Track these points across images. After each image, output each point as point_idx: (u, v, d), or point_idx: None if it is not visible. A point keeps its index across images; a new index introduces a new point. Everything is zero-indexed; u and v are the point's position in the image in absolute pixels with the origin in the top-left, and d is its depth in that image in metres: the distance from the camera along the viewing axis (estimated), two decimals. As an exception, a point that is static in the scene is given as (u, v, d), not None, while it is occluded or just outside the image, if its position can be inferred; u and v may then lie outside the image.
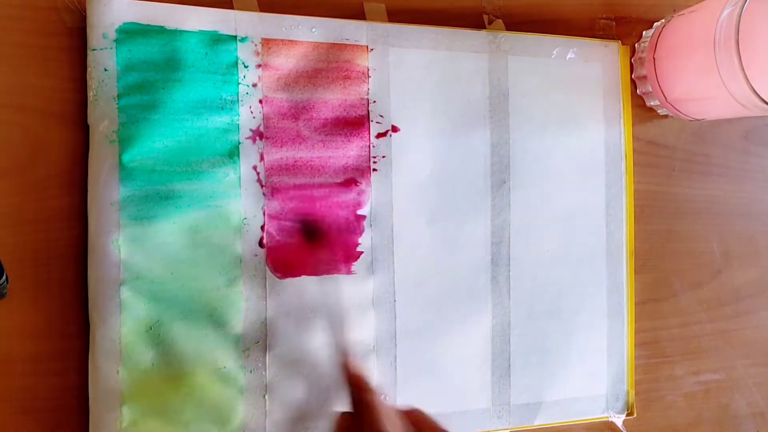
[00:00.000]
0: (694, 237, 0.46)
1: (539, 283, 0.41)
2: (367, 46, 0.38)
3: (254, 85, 0.37)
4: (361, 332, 0.38)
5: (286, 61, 0.37)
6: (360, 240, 0.38)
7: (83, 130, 0.35)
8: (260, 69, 0.37)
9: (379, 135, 0.39)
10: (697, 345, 0.46)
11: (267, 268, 0.37)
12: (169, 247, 0.35)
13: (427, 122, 0.39)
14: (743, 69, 0.36)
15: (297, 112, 0.37)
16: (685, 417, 0.46)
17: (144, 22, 0.35)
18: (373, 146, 0.39)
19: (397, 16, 0.40)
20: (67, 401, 0.35)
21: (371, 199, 0.38)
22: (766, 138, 0.48)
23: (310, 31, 0.38)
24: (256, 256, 0.36)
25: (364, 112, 0.38)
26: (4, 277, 0.32)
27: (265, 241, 0.37)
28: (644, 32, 0.44)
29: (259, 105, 0.37)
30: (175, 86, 0.35)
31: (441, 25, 0.40)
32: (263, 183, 0.37)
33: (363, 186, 0.38)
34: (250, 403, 0.36)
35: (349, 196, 0.38)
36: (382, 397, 0.38)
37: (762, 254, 0.47)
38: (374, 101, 0.39)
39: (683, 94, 0.42)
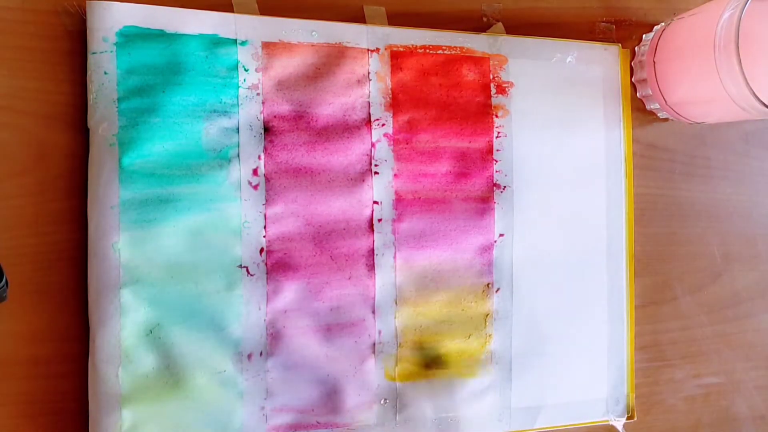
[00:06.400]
0: (694, 240, 0.46)
1: (540, 286, 0.41)
2: (368, 49, 0.39)
3: (254, 88, 0.37)
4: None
5: (287, 65, 0.37)
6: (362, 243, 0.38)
7: (83, 133, 0.35)
8: (260, 72, 0.37)
9: (380, 138, 0.39)
10: (698, 348, 0.46)
11: (267, 271, 0.37)
12: (169, 251, 0.35)
13: (428, 124, 0.39)
14: (743, 72, 0.36)
15: (297, 115, 0.37)
16: (686, 420, 0.46)
17: (144, 25, 0.35)
18: (374, 149, 0.39)
19: (397, 19, 0.40)
20: (67, 404, 0.35)
21: (372, 202, 0.38)
22: (766, 141, 0.48)
23: (310, 34, 0.38)
24: (256, 259, 0.36)
25: (365, 115, 0.38)
26: (4, 280, 0.32)
27: (265, 244, 0.37)
28: (644, 36, 0.44)
29: (259, 108, 0.37)
30: (175, 89, 0.35)
31: (441, 28, 0.40)
32: (264, 186, 0.37)
33: (365, 189, 0.38)
34: (249, 408, 0.36)
35: (350, 199, 0.38)
36: (382, 401, 0.38)
37: (762, 257, 0.47)
38: (375, 104, 0.39)
39: (683, 97, 0.42)
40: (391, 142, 0.39)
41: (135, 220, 0.34)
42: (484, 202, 0.40)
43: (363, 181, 0.38)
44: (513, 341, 0.41)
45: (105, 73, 0.34)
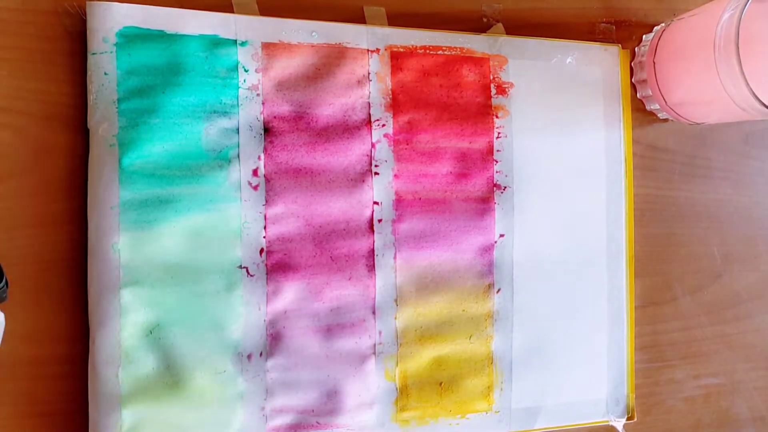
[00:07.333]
0: (694, 240, 0.46)
1: (540, 286, 0.41)
2: (368, 50, 0.39)
3: (254, 89, 0.37)
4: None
5: (287, 65, 0.37)
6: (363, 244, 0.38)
7: (83, 134, 0.35)
8: (260, 73, 0.37)
9: (380, 138, 0.39)
10: (698, 349, 0.46)
11: (267, 272, 0.37)
12: (169, 251, 0.35)
13: (428, 124, 0.39)
14: (743, 73, 0.36)
15: (297, 115, 0.37)
16: (686, 421, 0.46)
17: (144, 26, 0.35)
18: (374, 150, 0.39)
19: (396, 19, 0.40)
20: (67, 405, 0.35)
21: (372, 203, 0.38)
22: (766, 141, 0.48)
23: (310, 34, 0.38)
24: (256, 260, 0.36)
25: (365, 116, 0.38)
26: (4, 280, 0.32)
27: (265, 244, 0.37)
28: (644, 36, 0.44)
29: (259, 109, 0.37)
30: (175, 90, 0.35)
31: (441, 29, 0.40)
32: (264, 187, 0.37)
33: (365, 190, 0.38)
34: (249, 408, 0.36)
35: (351, 199, 0.38)
36: (382, 402, 0.38)
37: (763, 258, 0.47)
38: (375, 105, 0.39)
39: (683, 97, 0.42)
40: (392, 143, 0.39)
41: (135, 221, 0.34)
42: (485, 202, 0.40)
43: (363, 181, 0.38)
44: (514, 342, 0.41)
45: (105, 73, 0.34)
